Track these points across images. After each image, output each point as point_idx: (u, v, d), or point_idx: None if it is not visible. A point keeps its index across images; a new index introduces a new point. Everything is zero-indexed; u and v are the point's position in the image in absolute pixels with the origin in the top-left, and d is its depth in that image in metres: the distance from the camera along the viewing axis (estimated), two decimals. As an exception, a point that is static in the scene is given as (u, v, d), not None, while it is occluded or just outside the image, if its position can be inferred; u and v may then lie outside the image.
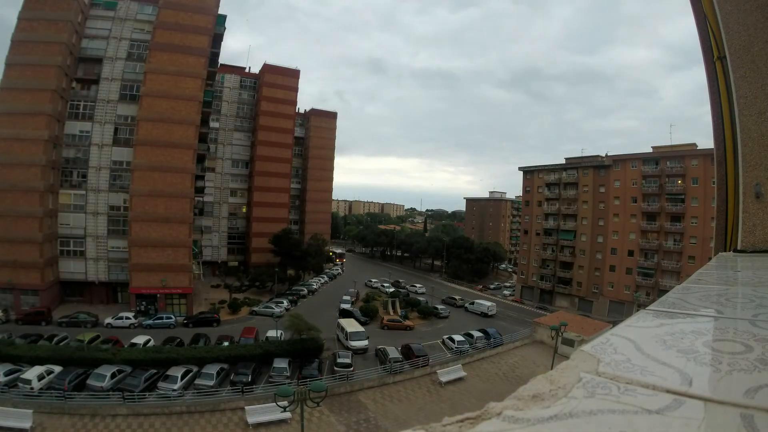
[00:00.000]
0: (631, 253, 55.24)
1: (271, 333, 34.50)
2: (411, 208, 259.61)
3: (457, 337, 36.91)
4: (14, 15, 40.80)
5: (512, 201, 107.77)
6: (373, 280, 67.82)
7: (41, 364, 25.56)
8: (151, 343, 32.18)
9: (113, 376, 25.03)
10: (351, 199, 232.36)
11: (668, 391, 0.73)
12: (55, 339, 31.46)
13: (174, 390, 24.77)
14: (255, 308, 45.85)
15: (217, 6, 47.98)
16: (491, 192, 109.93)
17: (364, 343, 34.10)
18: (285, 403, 16.96)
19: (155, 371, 26.30)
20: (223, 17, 50.24)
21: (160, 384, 25.28)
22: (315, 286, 59.51)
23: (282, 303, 47.01)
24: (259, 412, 22.48)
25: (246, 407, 22.85)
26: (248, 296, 50.62)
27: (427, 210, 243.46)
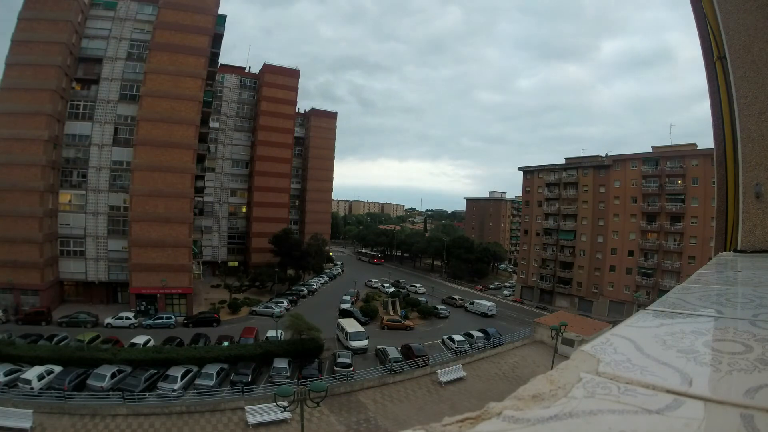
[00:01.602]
0: (631, 253, 55.24)
1: (271, 333, 34.51)
2: (411, 208, 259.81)
3: (457, 337, 36.91)
4: (14, 15, 40.84)
5: (512, 201, 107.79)
6: (373, 280, 67.84)
7: (41, 364, 25.58)
8: (151, 343, 32.20)
9: (113, 376, 25.03)
10: (351, 199, 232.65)
11: (668, 391, 0.73)
12: (55, 339, 31.46)
13: (174, 390, 24.77)
14: (255, 308, 45.85)
15: (217, 6, 47.98)
16: (491, 192, 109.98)
17: (364, 343, 34.10)
18: (285, 403, 16.96)
19: (155, 371, 26.29)
20: (223, 17, 50.26)
21: (160, 384, 25.27)
22: (315, 286, 59.52)
23: (282, 303, 47.01)
24: (259, 412, 22.48)
25: (246, 407, 22.85)
26: (248, 296, 50.62)
27: (427, 210, 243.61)
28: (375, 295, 55.71)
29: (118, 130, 44.10)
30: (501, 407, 0.70)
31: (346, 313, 43.82)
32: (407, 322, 44.33)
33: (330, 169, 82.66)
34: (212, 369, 26.92)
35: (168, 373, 26.20)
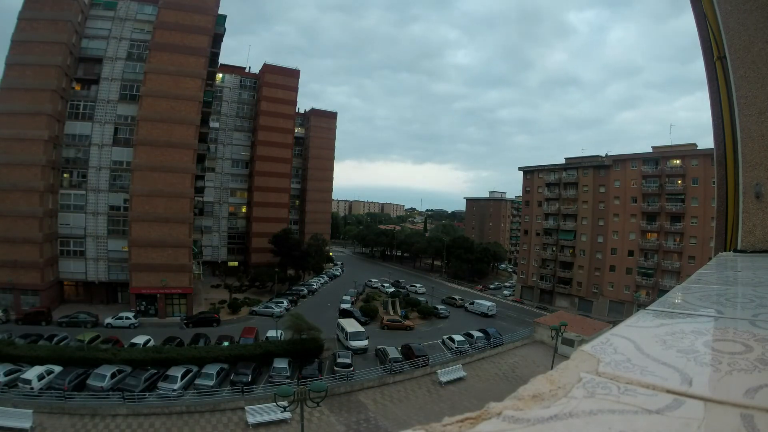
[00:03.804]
0: (631, 253, 55.23)
1: (271, 333, 34.53)
2: (411, 208, 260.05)
3: (457, 337, 36.91)
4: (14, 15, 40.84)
5: (512, 201, 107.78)
6: (373, 280, 67.85)
7: (41, 364, 25.58)
8: (151, 343, 32.21)
9: (113, 376, 25.04)
10: (351, 199, 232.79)
11: (668, 391, 0.72)
12: (55, 339, 31.48)
13: (174, 390, 24.78)
14: (255, 308, 45.86)
15: (217, 6, 47.97)
16: (491, 192, 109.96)
17: (364, 343, 34.11)
18: (285, 403, 16.98)
19: (155, 371, 26.31)
20: (223, 17, 50.24)
21: (160, 384, 25.28)
22: (315, 286, 59.53)
23: (282, 303, 47.00)
24: (259, 412, 22.49)
25: (246, 407, 22.86)
26: (248, 296, 50.63)
27: (427, 210, 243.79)
28: (375, 295, 55.70)
29: (118, 130, 44.10)
30: (501, 407, 0.69)
31: (346, 313, 43.81)
32: (407, 322, 44.33)
33: (330, 169, 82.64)
34: (212, 369, 26.94)
35: (168, 373, 26.21)
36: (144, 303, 41.86)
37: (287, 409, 17.81)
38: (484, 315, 50.70)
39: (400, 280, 69.92)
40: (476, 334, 38.16)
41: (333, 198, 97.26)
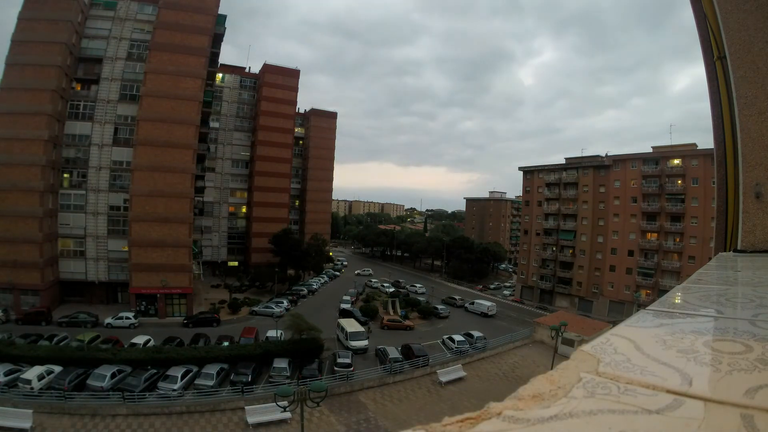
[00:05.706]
0: (631, 253, 55.23)
1: (271, 333, 34.53)
2: (411, 208, 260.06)
3: (457, 337, 36.90)
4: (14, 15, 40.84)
5: (512, 201, 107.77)
6: (373, 280, 67.82)
7: (41, 364, 25.58)
8: (151, 343, 32.21)
9: (113, 376, 25.03)
10: (351, 199, 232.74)
11: (668, 391, 0.73)
12: (55, 339, 31.47)
13: (174, 390, 24.77)
14: (255, 308, 45.86)
15: (217, 6, 47.96)
16: (491, 192, 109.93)
17: (364, 343, 34.11)
18: (285, 403, 16.98)
19: (155, 371, 26.31)
20: (223, 17, 50.26)
21: (160, 384, 25.28)
22: (315, 286, 59.53)
23: (282, 303, 47.01)
24: (259, 412, 22.49)
25: (246, 407, 22.86)
26: (248, 296, 50.62)
27: (427, 210, 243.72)
28: (375, 295, 55.69)
29: (118, 130, 44.09)
30: (501, 407, 0.70)
31: (346, 313, 43.81)
32: (407, 322, 44.32)
33: (330, 169, 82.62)
34: (212, 369, 26.94)
35: (168, 373, 26.20)
36: (144, 303, 41.85)
37: (287, 409, 17.82)
38: (484, 315, 50.69)
39: (400, 280, 69.92)
40: (476, 334, 37.99)
41: (333, 198, 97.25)
